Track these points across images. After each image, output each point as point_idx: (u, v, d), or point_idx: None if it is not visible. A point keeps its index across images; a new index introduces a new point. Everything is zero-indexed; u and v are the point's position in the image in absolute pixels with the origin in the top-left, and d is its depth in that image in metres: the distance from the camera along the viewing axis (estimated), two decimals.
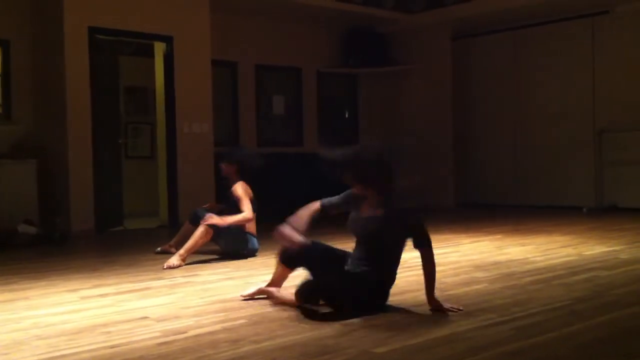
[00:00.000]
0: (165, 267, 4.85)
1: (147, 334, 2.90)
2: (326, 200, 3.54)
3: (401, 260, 4.77)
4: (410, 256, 5.14)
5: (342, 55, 10.77)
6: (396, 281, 4.08)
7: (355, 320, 3.06)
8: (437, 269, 4.52)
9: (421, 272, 4.37)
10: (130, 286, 4.19)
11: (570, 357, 2.44)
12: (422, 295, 3.60)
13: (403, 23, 10.46)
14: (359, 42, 10.66)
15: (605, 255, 4.98)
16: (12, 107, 7.84)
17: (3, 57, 7.80)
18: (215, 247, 5.39)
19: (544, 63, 9.71)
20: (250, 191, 5.36)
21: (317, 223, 3.49)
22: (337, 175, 3.34)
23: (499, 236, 6.40)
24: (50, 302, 3.77)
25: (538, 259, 4.87)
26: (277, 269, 3.57)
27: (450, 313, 3.18)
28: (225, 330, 2.92)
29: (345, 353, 2.54)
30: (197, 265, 4.99)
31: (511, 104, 10.09)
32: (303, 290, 3.20)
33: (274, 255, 3.65)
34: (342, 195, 3.51)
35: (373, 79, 11.16)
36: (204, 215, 5.13)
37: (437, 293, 3.68)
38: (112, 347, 2.73)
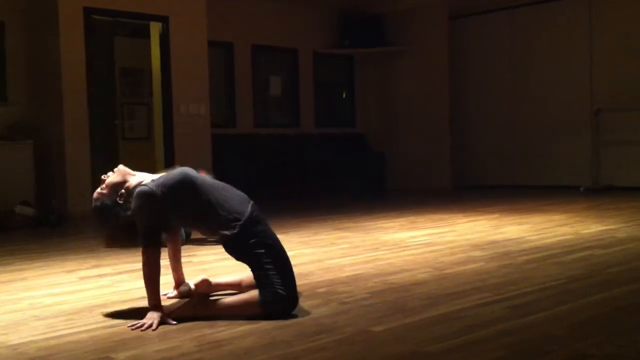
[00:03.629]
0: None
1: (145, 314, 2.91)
2: None
3: (398, 239, 4.82)
4: (407, 235, 5.19)
5: (338, 36, 10.73)
6: (392, 260, 4.12)
7: (351, 300, 3.08)
8: (435, 247, 4.58)
9: (418, 251, 4.43)
10: (128, 267, 4.20)
11: (564, 336, 2.46)
12: (419, 275, 3.64)
13: (399, 3, 10.39)
14: (355, 23, 10.62)
15: (602, 234, 5.00)
16: (7, 89, 7.81)
17: None
18: None
19: (541, 42, 9.69)
20: None
21: None
22: None
23: (495, 215, 6.42)
24: (47, 282, 3.78)
25: (534, 238, 4.89)
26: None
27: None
28: None
29: (342, 332, 2.56)
30: (194, 246, 5.00)
31: (508, 83, 10.07)
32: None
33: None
34: None
35: (369, 60, 11.12)
36: None
37: (434, 272, 3.71)
38: (110, 327, 2.74)
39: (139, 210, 2.86)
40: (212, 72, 8.80)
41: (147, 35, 8.49)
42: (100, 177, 3.07)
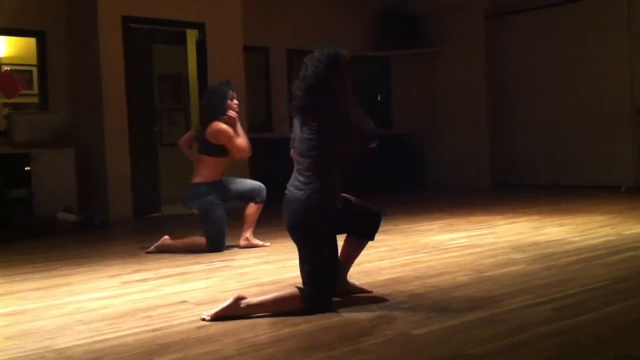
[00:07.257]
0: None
1: (187, 318, 2.95)
2: None
3: (437, 242, 4.76)
4: (447, 238, 5.15)
5: (374, 38, 10.70)
6: (432, 263, 4.10)
7: (391, 303, 3.06)
8: (475, 250, 4.53)
9: (458, 254, 4.40)
10: (169, 271, 4.25)
11: (610, 337, 2.42)
12: (460, 277, 3.61)
13: (436, 2, 10.33)
14: (391, 24, 10.58)
15: None
16: (49, 97, 7.97)
17: (39, 47, 7.91)
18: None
19: (580, 39, 9.52)
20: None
21: None
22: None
23: (536, 217, 6.33)
24: (91, 287, 3.84)
25: (577, 239, 4.81)
26: None
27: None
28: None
29: (383, 335, 2.55)
30: (233, 250, 5.03)
31: (547, 82, 9.92)
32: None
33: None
34: None
35: (406, 61, 11.07)
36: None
37: (475, 275, 3.68)
38: (153, 330, 2.77)
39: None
40: (249, 77, 8.85)
41: (184, 42, 8.59)
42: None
